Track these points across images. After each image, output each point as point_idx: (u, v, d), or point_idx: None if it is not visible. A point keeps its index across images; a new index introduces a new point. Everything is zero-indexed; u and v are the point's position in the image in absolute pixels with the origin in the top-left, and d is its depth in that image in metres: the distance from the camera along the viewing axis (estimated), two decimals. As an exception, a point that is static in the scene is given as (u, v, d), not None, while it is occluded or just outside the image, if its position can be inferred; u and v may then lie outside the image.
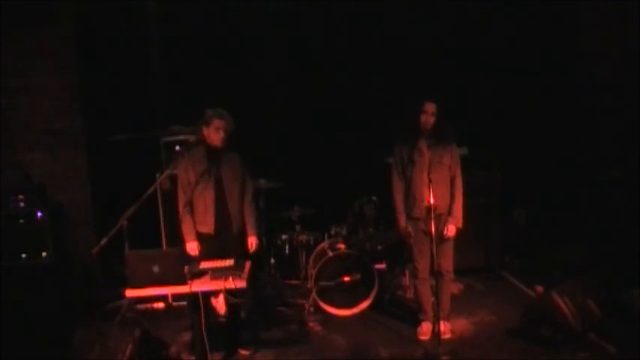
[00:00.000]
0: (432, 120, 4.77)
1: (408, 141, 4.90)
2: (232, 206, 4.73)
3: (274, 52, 6.99)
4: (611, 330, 4.74)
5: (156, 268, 4.06)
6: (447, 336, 4.94)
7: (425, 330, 5.05)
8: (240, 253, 4.66)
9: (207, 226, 4.69)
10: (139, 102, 6.51)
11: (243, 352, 4.94)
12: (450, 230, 4.87)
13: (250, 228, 4.84)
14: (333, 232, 6.12)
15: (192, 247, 4.69)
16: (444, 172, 4.85)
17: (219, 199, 4.70)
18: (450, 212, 4.88)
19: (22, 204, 5.62)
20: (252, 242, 4.85)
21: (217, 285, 4.23)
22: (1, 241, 5.54)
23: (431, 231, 4.65)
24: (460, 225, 4.91)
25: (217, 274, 4.24)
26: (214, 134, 4.61)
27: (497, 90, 6.79)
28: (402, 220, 4.97)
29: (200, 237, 4.72)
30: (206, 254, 4.64)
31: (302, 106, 7.00)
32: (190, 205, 4.71)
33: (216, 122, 4.60)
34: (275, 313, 5.78)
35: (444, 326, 4.90)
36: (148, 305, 5.85)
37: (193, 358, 4.74)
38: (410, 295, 5.82)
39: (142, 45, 6.71)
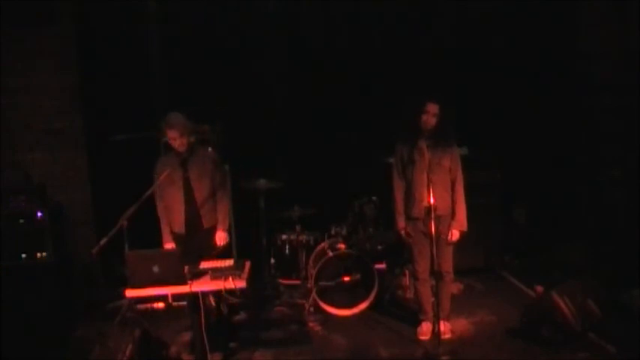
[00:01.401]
0: (433, 121, 4.75)
1: (408, 141, 4.89)
2: (202, 204, 4.84)
3: (274, 52, 6.98)
4: (611, 330, 4.74)
5: (156, 268, 4.07)
6: (447, 336, 4.94)
7: (425, 330, 5.05)
8: (213, 249, 4.75)
9: (179, 226, 4.86)
10: (139, 102, 6.50)
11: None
12: (454, 235, 4.86)
13: (219, 222, 4.89)
14: (333, 232, 6.12)
15: (169, 248, 4.81)
16: (444, 173, 4.84)
17: (188, 199, 4.82)
18: (453, 216, 4.87)
19: (22, 204, 5.62)
20: (219, 237, 4.87)
21: (217, 285, 4.23)
22: (1, 241, 5.54)
23: (430, 232, 4.65)
24: (464, 228, 4.89)
25: (217, 274, 4.24)
26: (173, 144, 4.74)
27: (497, 90, 6.78)
28: (401, 222, 4.97)
29: (175, 237, 4.88)
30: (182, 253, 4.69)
31: (302, 106, 7.00)
32: (165, 207, 4.88)
33: (169, 134, 4.70)
34: (275, 313, 5.78)
35: (444, 326, 4.90)
36: (148, 305, 5.84)
37: (193, 358, 4.73)
38: (410, 295, 5.82)
39: (142, 45, 6.70)
